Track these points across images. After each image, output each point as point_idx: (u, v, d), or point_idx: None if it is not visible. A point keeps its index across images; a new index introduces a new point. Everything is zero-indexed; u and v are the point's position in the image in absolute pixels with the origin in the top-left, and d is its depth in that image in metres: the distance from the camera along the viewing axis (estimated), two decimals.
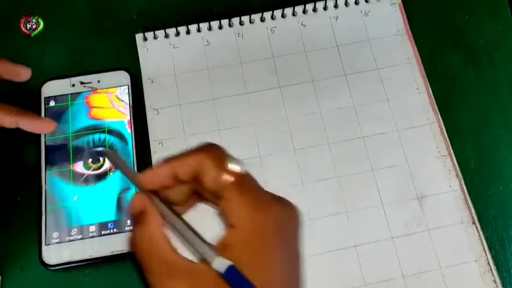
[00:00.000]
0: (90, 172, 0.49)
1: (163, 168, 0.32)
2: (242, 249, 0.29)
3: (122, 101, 0.52)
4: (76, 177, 0.49)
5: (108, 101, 0.52)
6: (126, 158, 0.49)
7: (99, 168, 0.49)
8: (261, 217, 0.30)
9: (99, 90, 0.52)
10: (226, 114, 0.52)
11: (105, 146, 0.50)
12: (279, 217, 0.31)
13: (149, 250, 0.31)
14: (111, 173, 0.49)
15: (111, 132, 0.50)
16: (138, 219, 0.32)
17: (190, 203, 0.34)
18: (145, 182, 0.32)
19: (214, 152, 0.32)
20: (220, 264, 0.28)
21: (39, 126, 0.47)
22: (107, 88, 0.52)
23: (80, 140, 0.50)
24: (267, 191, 0.32)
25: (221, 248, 0.29)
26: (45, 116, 0.51)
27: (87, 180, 0.49)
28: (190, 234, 0.30)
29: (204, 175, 0.31)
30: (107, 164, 0.49)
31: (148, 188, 0.32)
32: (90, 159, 0.49)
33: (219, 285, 0.28)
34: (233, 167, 0.31)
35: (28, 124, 0.46)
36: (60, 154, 0.50)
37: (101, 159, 0.49)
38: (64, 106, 0.51)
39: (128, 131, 0.51)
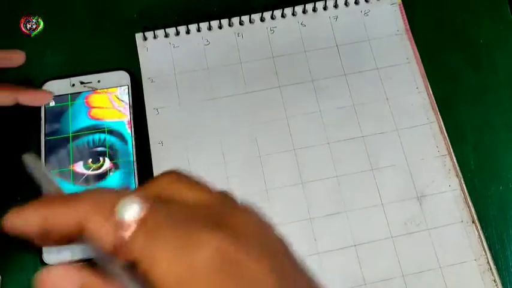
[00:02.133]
0: (90, 172, 0.49)
1: (30, 212, 0.25)
2: None
3: (122, 101, 0.52)
4: (76, 177, 0.49)
5: (108, 101, 0.52)
6: (126, 158, 0.49)
7: (99, 168, 0.49)
8: (188, 259, 0.22)
9: (99, 91, 0.52)
10: (226, 114, 0.52)
11: (105, 146, 0.50)
12: (224, 243, 0.22)
13: None
14: (110, 173, 0.49)
15: (111, 132, 0.51)
16: None
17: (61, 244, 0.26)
18: (10, 222, 0.25)
19: (99, 200, 0.24)
20: None
21: (39, 97, 0.49)
22: (106, 88, 0.52)
23: (79, 140, 0.50)
24: (199, 214, 0.23)
25: None
26: (45, 116, 0.51)
27: (87, 180, 0.49)
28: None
29: (90, 235, 0.23)
30: (107, 164, 0.49)
31: (8, 228, 0.25)
32: (90, 159, 0.49)
33: None
34: (126, 213, 0.23)
35: (27, 98, 0.47)
36: (60, 154, 0.50)
37: (101, 159, 0.49)
38: (64, 106, 0.51)
39: (128, 131, 0.51)
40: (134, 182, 0.49)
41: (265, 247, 0.23)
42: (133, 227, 0.22)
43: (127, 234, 0.22)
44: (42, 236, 0.24)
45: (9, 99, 0.46)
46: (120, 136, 0.50)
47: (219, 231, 0.22)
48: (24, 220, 0.24)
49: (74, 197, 0.24)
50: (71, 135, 0.50)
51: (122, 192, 0.24)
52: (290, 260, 0.25)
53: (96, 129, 0.51)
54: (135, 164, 0.49)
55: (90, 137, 0.50)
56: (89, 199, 0.24)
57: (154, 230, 0.22)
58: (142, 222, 0.22)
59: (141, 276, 0.22)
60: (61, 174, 0.49)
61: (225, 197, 0.25)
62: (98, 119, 0.51)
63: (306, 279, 0.25)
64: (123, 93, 0.52)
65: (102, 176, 0.49)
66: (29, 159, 0.29)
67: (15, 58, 0.48)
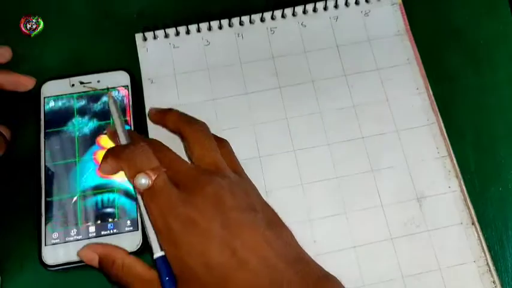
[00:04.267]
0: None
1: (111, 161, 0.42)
2: None
3: None
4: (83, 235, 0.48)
5: None
6: (135, 217, 0.48)
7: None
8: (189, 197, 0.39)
9: (107, 147, 0.49)
10: (226, 115, 0.52)
11: (114, 207, 0.48)
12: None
13: (127, 276, 0.39)
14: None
15: (121, 191, 0.48)
16: (106, 264, 0.41)
17: None
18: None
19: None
20: (156, 255, 0.37)
21: (23, 81, 0.49)
22: (106, 88, 0.52)
23: (88, 201, 0.48)
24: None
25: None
26: (45, 116, 0.51)
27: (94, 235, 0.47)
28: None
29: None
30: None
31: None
32: (99, 221, 0.47)
33: None
34: (141, 181, 0.38)
35: (10, 81, 0.48)
36: (67, 214, 0.48)
37: (110, 220, 0.47)
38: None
39: None
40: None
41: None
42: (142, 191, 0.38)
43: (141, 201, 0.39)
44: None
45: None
46: (131, 196, 0.48)
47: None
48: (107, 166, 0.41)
49: (124, 153, 0.40)
50: (78, 195, 0.48)
51: (146, 161, 0.39)
52: (258, 198, 0.42)
53: (105, 188, 0.49)
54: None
55: (99, 197, 0.48)
56: (126, 160, 0.40)
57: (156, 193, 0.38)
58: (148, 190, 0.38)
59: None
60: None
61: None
62: (106, 177, 0.49)
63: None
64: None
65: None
66: (111, 100, 0.46)
67: (24, 83, 0.50)
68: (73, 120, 0.51)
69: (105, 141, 0.50)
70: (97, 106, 0.51)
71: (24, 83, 0.50)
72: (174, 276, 0.36)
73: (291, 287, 0.35)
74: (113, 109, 0.46)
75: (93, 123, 0.51)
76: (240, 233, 0.37)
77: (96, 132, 0.50)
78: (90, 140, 0.50)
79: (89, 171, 0.49)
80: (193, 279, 0.35)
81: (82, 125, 0.51)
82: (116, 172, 0.41)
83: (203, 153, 0.43)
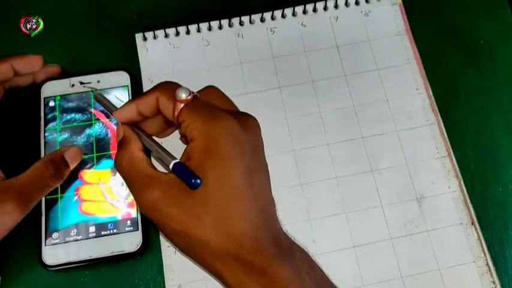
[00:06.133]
0: None
1: (128, 106, 0.39)
2: (200, 154, 0.34)
3: (116, 194, 0.48)
4: None
5: (100, 193, 0.48)
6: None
7: None
8: (212, 125, 0.34)
9: (90, 182, 0.49)
10: None
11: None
12: (231, 125, 0.35)
13: (130, 168, 0.36)
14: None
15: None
16: (121, 144, 0.38)
17: (168, 132, 0.42)
18: (119, 116, 0.39)
19: (165, 88, 0.38)
20: (172, 164, 0.34)
21: (33, 61, 0.48)
22: (107, 88, 0.52)
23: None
24: (223, 109, 0.37)
25: (185, 159, 0.35)
26: (44, 115, 0.51)
27: None
28: (160, 152, 0.37)
29: (162, 109, 0.37)
30: None
31: (121, 121, 0.39)
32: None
33: (181, 188, 0.34)
34: (181, 95, 0.36)
35: (22, 63, 0.48)
36: None
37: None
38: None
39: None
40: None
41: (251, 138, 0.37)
42: (183, 103, 0.36)
43: (180, 107, 0.36)
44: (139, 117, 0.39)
45: (7, 68, 0.47)
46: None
47: (231, 117, 0.35)
48: (127, 112, 0.39)
49: (149, 90, 0.38)
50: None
51: (179, 85, 0.37)
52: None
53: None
54: None
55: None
56: (158, 89, 0.37)
57: (195, 107, 0.36)
58: (188, 102, 0.36)
59: (183, 129, 0.36)
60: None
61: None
62: (89, 214, 0.48)
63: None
64: (117, 185, 0.49)
65: None
66: (99, 96, 0.43)
67: (35, 61, 0.49)
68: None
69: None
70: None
71: (35, 60, 0.49)
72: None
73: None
74: (104, 104, 0.43)
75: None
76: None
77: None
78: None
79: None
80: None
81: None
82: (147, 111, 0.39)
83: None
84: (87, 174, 0.49)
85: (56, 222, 0.47)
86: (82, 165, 0.49)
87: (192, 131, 0.35)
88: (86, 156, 0.49)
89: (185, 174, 0.34)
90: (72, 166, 0.47)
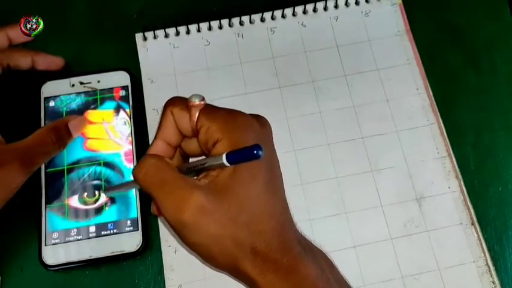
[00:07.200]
0: (85, 207, 0.48)
1: (155, 145, 0.38)
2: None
3: (119, 131, 0.51)
4: (70, 212, 0.49)
5: (104, 132, 0.51)
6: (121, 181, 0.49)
7: (95, 202, 0.48)
8: (233, 124, 0.36)
9: (94, 121, 0.51)
10: None
11: (100, 179, 0.49)
12: (250, 122, 0.36)
13: (165, 177, 0.35)
14: (107, 208, 0.48)
15: (107, 164, 0.49)
16: (153, 167, 0.36)
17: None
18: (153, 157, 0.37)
19: (175, 100, 0.38)
20: (224, 156, 0.33)
21: (55, 61, 0.52)
22: (107, 88, 0.52)
23: (74, 173, 0.49)
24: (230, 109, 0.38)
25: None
26: (44, 115, 0.51)
27: (83, 215, 0.48)
28: (199, 160, 0.36)
29: (177, 121, 0.37)
30: (103, 198, 0.48)
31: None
32: (86, 193, 0.48)
33: (217, 190, 0.34)
34: (195, 100, 0.36)
35: (43, 60, 0.51)
36: (55, 188, 0.49)
37: (96, 193, 0.48)
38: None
39: (124, 164, 0.49)
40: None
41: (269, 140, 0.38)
42: (198, 109, 0.36)
43: (196, 113, 0.36)
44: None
45: (26, 60, 0.50)
46: (117, 169, 0.49)
47: (249, 115, 0.37)
48: (157, 148, 0.38)
49: (162, 116, 0.38)
50: (65, 167, 0.49)
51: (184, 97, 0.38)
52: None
53: (91, 161, 0.50)
54: (135, 161, 0.49)
55: (86, 170, 0.49)
56: (169, 105, 0.38)
57: (210, 112, 0.36)
58: (202, 108, 0.36)
59: (202, 136, 0.36)
60: (56, 210, 0.48)
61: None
62: (93, 150, 0.50)
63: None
64: (120, 124, 0.51)
65: (98, 211, 0.48)
66: (108, 191, 0.47)
67: (57, 62, 0.52)
68: None
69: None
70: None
71: (57, 62, 0.52)
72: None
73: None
74: (119, 190, 0.46)
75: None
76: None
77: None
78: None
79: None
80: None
81: None
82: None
83: None
84: (91, 114, 0.51)
85: (61, 159, 0.49)
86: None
87: (213, 133, 0.35)
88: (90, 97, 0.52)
89: (245, 153, 0.32)
90: (75, 136, 0.48)
